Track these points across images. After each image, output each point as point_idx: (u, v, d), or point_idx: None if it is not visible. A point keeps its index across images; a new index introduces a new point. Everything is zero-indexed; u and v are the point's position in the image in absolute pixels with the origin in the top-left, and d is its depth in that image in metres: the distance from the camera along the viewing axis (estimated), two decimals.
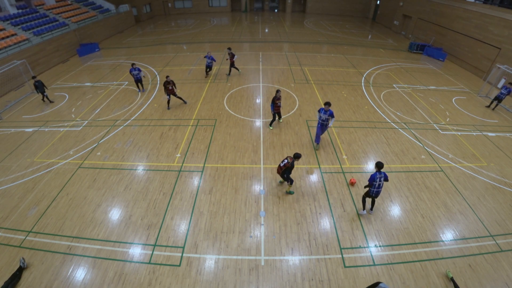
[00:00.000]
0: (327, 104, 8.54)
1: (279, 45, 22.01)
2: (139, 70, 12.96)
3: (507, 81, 12.74)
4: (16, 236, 6.51)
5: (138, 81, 13.21)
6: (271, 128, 10.62)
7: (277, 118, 10.89)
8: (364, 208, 7.02)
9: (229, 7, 37.06)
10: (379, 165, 6.22)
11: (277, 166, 8.60)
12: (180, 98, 12.17)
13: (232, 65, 15.04)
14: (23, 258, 5.81)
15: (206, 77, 15.33)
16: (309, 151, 9.38)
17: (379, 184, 6.34)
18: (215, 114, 11.61)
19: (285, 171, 7.02)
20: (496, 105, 12.56)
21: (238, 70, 15.86)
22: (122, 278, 5.63)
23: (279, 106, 10.23)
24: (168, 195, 7.61)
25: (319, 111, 8.91)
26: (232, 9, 38.03)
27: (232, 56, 14.66)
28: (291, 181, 7.36)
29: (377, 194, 6.53)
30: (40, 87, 12.03)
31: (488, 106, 12.86)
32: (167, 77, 11.36)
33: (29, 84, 14.15)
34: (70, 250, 6.17)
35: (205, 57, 14.56)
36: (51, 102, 12.69)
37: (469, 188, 8.08)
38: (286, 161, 6.94)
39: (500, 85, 14.73)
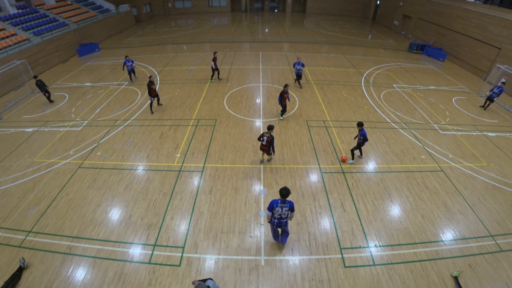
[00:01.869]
0: (284, 192, 5.17)
1: (279, 45, 22.01)
2: (132, 61, 14.23)
3: (503, 80, 12.67)
4: (16, 236, 6.51)
5: (132, 71, 14.43)
6: (281, 118, 11.07)
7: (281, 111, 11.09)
8: (353, 158, 8.85)
9: (229, 7, 37.05)
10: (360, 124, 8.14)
11: (276, 166, 8.66)
12: (158, 100, 11.99)
13: (216, 69, 14.22)
14: (23, 258, 5.81)
15: (296, 85, 14.26)
16: (308, 151, 9.38)
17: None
18: (215, 114, 11.61)
19: (271, 145, 7.93)
20: (488, 104, 12.48)
21: (212, 78, 14.77)
22: (122, 278, 5.63)
23: (286, 99, 10.52)
24: (168, 195, 7.61)
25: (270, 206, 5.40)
26: (232, 9, 38.01)
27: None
28: (274, 151, 8.31)
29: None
30: (41, 86, 12.07)
31: (483, 107, 12.73)
32: (150, 77, 10.88)
33: (29, 84, 14.14)
34: (70, 250, 6.17)
35: (294, 65, 13.38)
36: (50, 102, 12.69)
37: (469, 188, 8.08)
38: (266, 137, 7.82)
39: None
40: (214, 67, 14.06)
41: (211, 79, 14.79)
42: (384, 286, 5.55)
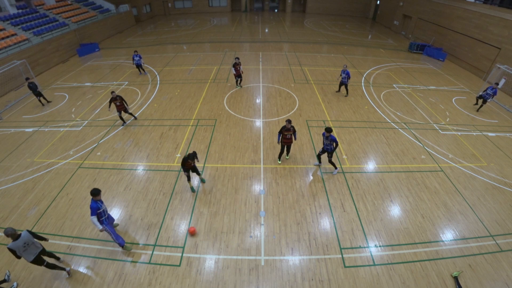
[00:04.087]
0: (94, 192, 5.55)
1: (279, 45, 22.01)
2: (140, 57, 15.02)
3: (499, 81, 12.42)
4: None
5: (139, 66, 15.26)
6: (279, 162, 8.79)
7: (285, 152, 8.82)
8: (320, 162, 8.64)
9: (229, 7, 37.05)
10: (328, 130, 7.62)
11: (276, 166, 8.66)
12: (131, 114, 10.95)
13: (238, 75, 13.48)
14: (8, 271, 5.64)
15: (343, 93, 13.61)
16: (308, 151, 9.38)
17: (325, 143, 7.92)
18: (215, 114, 11.61)
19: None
20: (481, 105, 12.28)
21: (239, 85, 14.12)
22: (122, 278, 5.63)
23: (289, 139, 8.15)
24: (168, 195, 7.61)
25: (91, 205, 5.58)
26: (232, 9, 38.02)
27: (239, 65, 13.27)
28: (188, 178, 7.39)
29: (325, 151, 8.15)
30: (34, 88, 11.84)
31: (476, 107, 12.52)
32: (112, 92, 9.87)
33: None
34: (70, 250, 6.17)
35: (341, 73, 12.68)
36: (44, 103, 12.50)
37: (469, 188, 8.08)
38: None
39: (500, 85, 14.74)
40: (234, 73, 13.27)
41: (237, 85, 14.04)
42: (384, 286, 5.55)
